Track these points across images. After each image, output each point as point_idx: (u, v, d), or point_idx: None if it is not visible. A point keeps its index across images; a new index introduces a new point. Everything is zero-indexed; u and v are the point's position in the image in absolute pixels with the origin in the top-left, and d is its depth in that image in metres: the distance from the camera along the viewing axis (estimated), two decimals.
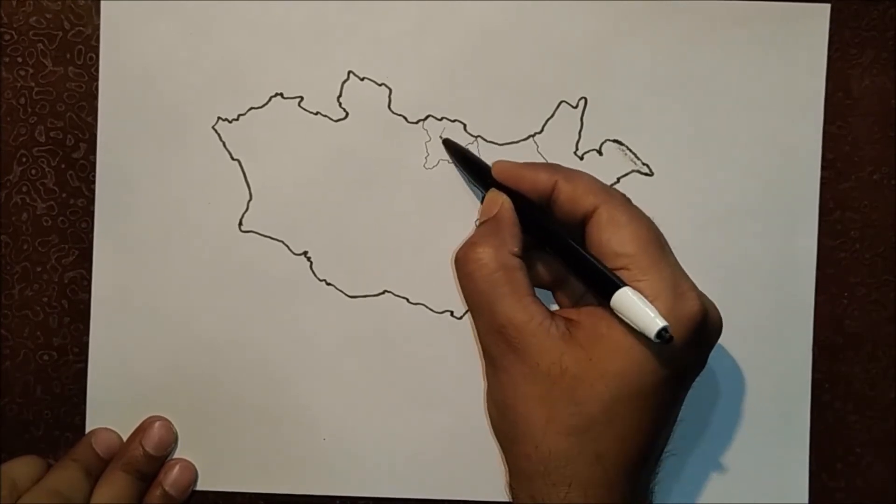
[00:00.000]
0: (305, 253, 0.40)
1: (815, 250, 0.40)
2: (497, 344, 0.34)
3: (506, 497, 0.40)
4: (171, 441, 0.40)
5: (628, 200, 0.35)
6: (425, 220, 0.40)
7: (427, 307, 0.40)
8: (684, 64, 0.40)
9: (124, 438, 0.40)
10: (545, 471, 0.33)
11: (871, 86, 0.40)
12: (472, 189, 0.40)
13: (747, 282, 0.40)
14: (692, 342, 0.32)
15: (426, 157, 0.40)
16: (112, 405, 0.40)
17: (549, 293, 0.39)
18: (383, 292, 0.40)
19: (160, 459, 0.40)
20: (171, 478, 0.39)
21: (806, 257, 0.40)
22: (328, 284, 0.40)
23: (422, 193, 0.40)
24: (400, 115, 0.40)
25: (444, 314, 0.40)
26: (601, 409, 0.32)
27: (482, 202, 0.37)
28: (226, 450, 0.40)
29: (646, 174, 0.40)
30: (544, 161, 0.39)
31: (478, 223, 0.37)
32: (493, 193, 0.37)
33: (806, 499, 0.41)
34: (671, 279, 0.33)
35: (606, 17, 0.40)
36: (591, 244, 0.34)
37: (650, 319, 0.31)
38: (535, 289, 0.35)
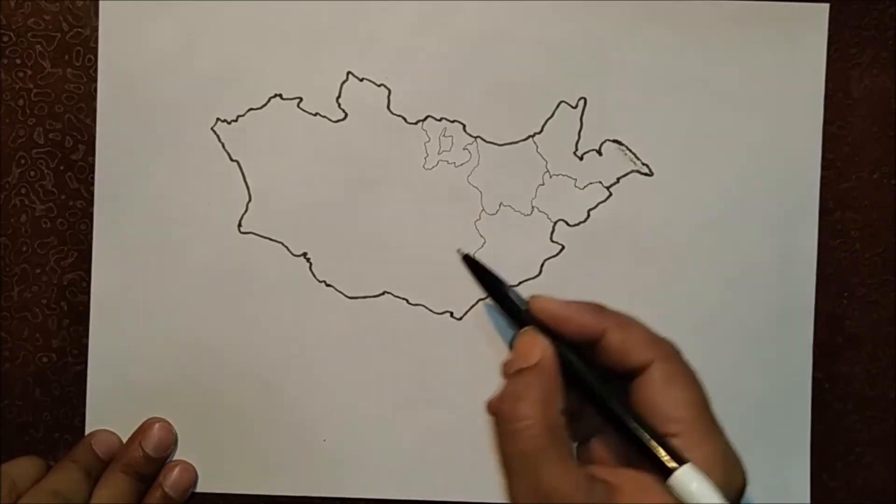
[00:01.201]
0: (305, 254, 0.40)
1: (815, 250, 0.40)
2: None
3: (505, 498, 0.40)
4: (171, 442, 0.40)
5: (681, 356, 0.33)
6: (425, 221, 0.40)
7: (427, 308, 0.40)
8: (684, 64, 0.40)
9: (124, 440, 0.40)
10: None
11: (870, 86, 0.40)
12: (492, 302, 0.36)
13: (747, 282, 0.40)
14: None
15: (425, 158, 0.40)
16: (111, 407, 0.40)
17: None
18: (383, 293, 0.40)
19: (160, 461, 0.40)
20: (171, 479, 0.39)
21: (806, 257, 0.40)
22: (328, 285, 0.40)
23: (421, 194, 0.40)
24: (399, 115, 0.40)
25: (443, 315, 0.40)
26: None
27: (512, 341, 0.34)
28: (225, 451, 0.40)
29: (645, 174, 0.40)
30: (586, 304, 0.34)
31: (510, 369, 0.33)
32: (533, 337, 0.33)
33: (807, 499, 0.41)
34: (724, 451, 0.32)
35: (606, 17, 0.40)
36: (640, 402, 0.32)
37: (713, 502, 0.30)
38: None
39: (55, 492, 0.37)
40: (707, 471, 0.31)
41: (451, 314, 0.40)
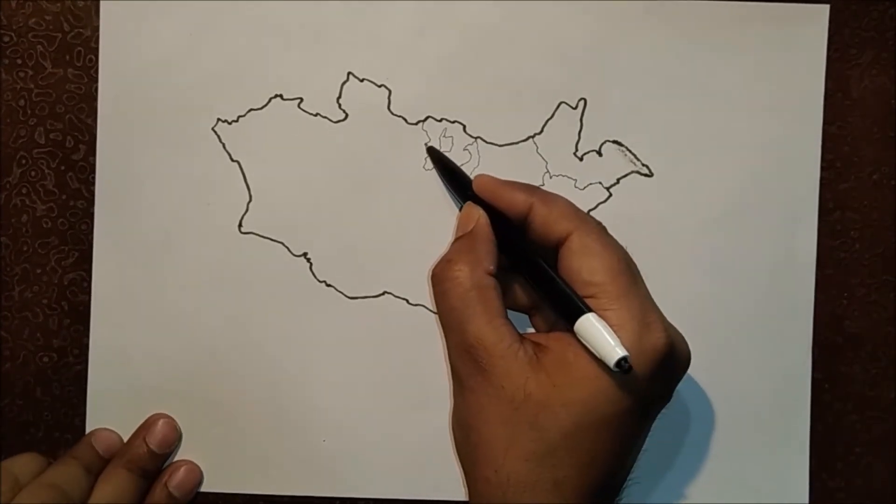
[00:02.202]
0: (305, 254, 0.40)
1: (815, 250, 0.40)
2: (465, 363, 0.33)
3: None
4: (175, 439, 0.40)
5: (603, 229, 0.35)
6: (425, 222, 0.40)
7: (427, 308, 0.40)
8: (684, 65, 0.40)
9: (125, 440, 0.40)
10: (503, 494, 0.32)
11: (870, 86, 0.40)
12: (453, 200, 0.40)
13: (747, 282, 0.40)
14: (657, 374, 0.32)
15: (426, 159, 0.40)
16: (112, 407, 0.40)
17: (525, 318, 0.38)
18: (383, 293, 0.40)
19: (163, 457, 0.40)
20: (177, 479, 0.39)
21: (806, 257, 0.40)
22: (328, 286, 0.40)
23: (421, 195, 0.40)
24: (399, 116, 0.40)
25: None
26: (562, 436, 0.32)
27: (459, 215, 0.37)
28: (225, 451, 0.40)
29: (646, 175, 0.40)
30: (520, 183, 0.37)
31: (454, 237, 0.36)
32: (470, 207, 0.37)
33: (806, 499, 0.41)
34: (639, 310, 0.32)
35: (606, 17, 0.40)
36: (563, 270, 0.34)
37: (610, 348, 0.30)
38: (513, 312, 0.35)
39: (54, 485, 0.37)
40: (618, 327, 0.31)
41: None
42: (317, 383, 0.40)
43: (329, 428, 0.40)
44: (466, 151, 0.40)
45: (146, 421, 0.40)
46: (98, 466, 0.39)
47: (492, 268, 0.34)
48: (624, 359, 0.30)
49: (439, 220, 0.40)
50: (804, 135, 0.40)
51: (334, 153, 0.40)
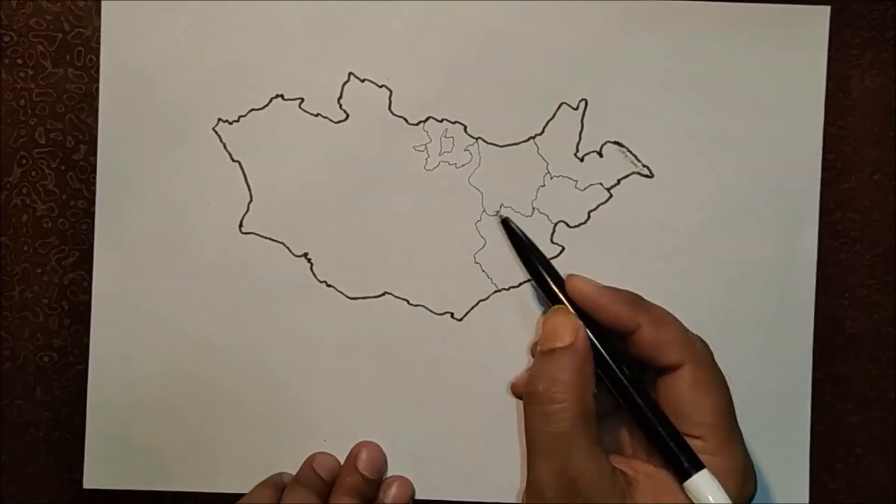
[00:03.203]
0: (306, 254, 0.40)
1: (816, 251, 0.40)
2: (563, 493, 0.32)
3: (505, 498, 0.40)
4: (384, 461, 0.40)
5: (712, 359, 0.34)
6: (426, 222, 0.40)
7: (427, 309, 0.40)
8: (685, 65, 0.40)
9: (125, 439, 0.40)
10: None
11: (871, 86, 0.40)
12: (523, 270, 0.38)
13: (747, 282, 0.40)
14: None
15: (427, 159, 0.40)
16: (112, 407, 0.40)
17: None
18: (383, 294, 0.40)
19: (378, 481, 0.40)
20: (392, 494, 0.39)
21: (806, 258, 0.40)
22: (328, 286, 0.40)
23: (422, 195, 0.40)
24: (400, 116, 0.40)
25: (444, 316, 0.40)
26: None
27: (544, 315, 0.35)
28: (226, 451, 0.40)
29: (646, 176, 0.40)
30: (624, 293, 0.35)
31: (542, 347, 0.33)
32: (566, 315, 0.34)
33: (806, 499, 0.41)
34: (742, 459, 0.32)
35: (607, 17, 0.40)
36: (666, 401, 0.33)
37: None
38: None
39: None
40: (724, 479, 0.31)
41: (452, 315, 0.40)
42: (317, 383, 0.40)
43: (329, 428, 0.40)
44: (467, 152, 0.40)
45: (352, 451, 0.40)
46: (324, 491, 0.39)
47: (595, 391, 0.33)
48: None
49: (440, 220, 0.40)
50: (805, 135, 0.40)
51: (335, 153, 0.40)
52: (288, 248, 0.40)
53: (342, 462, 0.40)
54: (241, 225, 0.40)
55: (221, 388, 0.40)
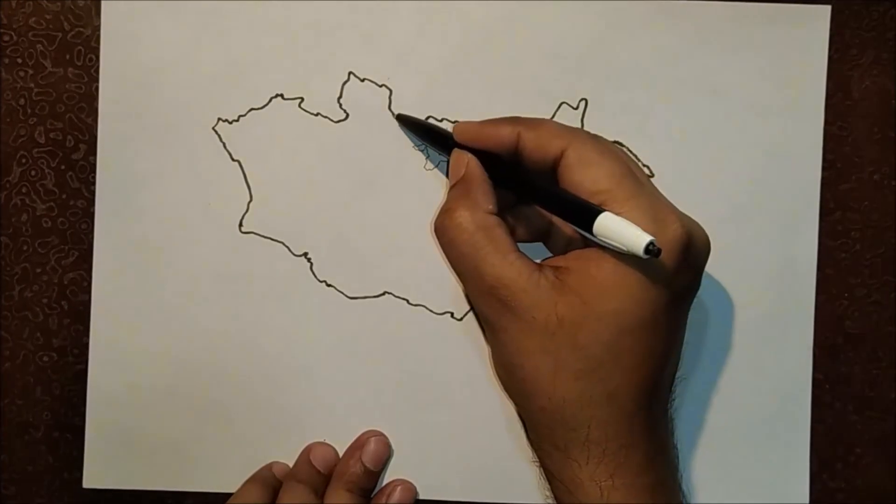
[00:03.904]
0: (306, 254, 0.40)
1: (816, 250, 0.40)
2: (490, 305, 0.33)
3: (506, 498, 0.40)
4: (387, 455, 0.40)
5: (596, 137, 0.35)
6: (425, 222, 0.40)
7: (427, 308, 0.40)
8: (685, 65, 0.40)
9: (123, 440, 0.40)
10: (562, 418, 0.33)
11: (871, 87, 0.40)
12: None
13: (747, 282, 0.40)
14: (681, 265, 0.32)
15: (426, 159, 0.40)
16: (112, 406, 0.40)
17: (539, 247, 0.38)
18: (383, 293, 0.40)
19: (378, 474, 0.40)
20: (395, 497, 0.39)
21: (806, 257, 0.40)
22: (328, 286, 0.40)
23: (422, 194, 0.40)
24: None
25: (444, 315, 0.40)
26: (604, 349, 0.32)
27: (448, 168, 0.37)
28: (226, 451, 0.40)
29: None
30: (501, 118, 0.37)
31: (448, 188, 0.36)
32: (458, 154, 0.36)
33: (806, 499, 0.41)
34: (650, 207, 0.32)
35: (607, 17, 0.40)
36: (565, 187, 0.34)
37: (635, 236, 0.30)
38: (526, 244, 0.35)
39: None
40: (634, 223, 0.31)
41: (452, 315, 0.40)
42: (317, 383, 0.40)
43: (329, 428, 0.40)
44: None
45: (358, 439, 0.40)
46: (321, 486, 0.39)
47: (491, 207, 0.34)
48: (651, 242, 0.30)
49: None
50: (805, 135, 0.40)
51: (335, 153, 0.40)
52: (288, 247, 0.40)
53: (340, 454, 0.40)
54: (240, 224, 0.40)
55: (221, 388, 0.40)
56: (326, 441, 0.40)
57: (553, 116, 0.40)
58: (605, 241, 0.31)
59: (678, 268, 0.32)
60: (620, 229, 0.30)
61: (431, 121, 0.40)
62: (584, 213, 0.32)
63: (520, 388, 0.34)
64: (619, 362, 0.32)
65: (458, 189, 0.35)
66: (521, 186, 0.35)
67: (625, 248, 0.30)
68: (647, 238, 0.30)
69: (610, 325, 0.32)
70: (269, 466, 0.40)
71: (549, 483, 0.35)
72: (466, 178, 0.35)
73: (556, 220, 0.37)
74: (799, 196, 0.40)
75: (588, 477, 0.33)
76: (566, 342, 0.32)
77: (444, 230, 0.34)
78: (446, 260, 0.35)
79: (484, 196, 0.35)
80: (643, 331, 0.32)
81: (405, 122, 0.39)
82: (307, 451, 0.40)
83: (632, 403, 0.33)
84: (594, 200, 0.32)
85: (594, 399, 0.32)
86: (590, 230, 0.31)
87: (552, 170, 0.34)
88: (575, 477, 0.33)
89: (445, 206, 0.35)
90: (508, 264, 0.33)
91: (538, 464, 0.35)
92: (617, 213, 0.31)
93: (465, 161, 0.36)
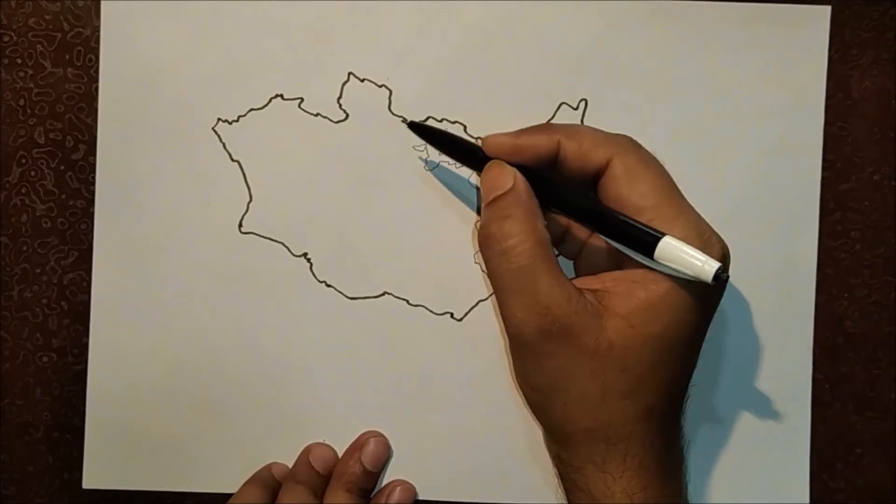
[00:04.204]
0: (305, 254, 0.40)
1: (816, 251, 0.40)
2: (538, 326, 0.32)
3: (506, 498, 0.40)
4: (387, 455, 0.40)
5: (636, 145, 0.34)
6: (425, 222, 0.40)
7: (427, 309, 0.40)
8: (685, 65, 0.40)
9: (124, 441, 0.40)
10: (605, 436, 0.33)
11: (871, 87, 0.40)
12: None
13: (747, 282, 0.40)
14: (722, 283, 0.32)
15: (426, 159, 0.40)
16: (112, 407, 0.40)
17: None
18: (383, 294, 0.40)
19: (377, 475, 0.40)
20: (394, 498, 0.39)
21: (806, 258, 0.40)
22: (328, 286, 0.40)
23: (422, 195, 0.40)
24: (400, 116, 0.40)
25: (444, 316, 0.40)
26: (648, 368, 0.32)
27: (481, 180, 0.35)
28: (225, 451, 0.40)
29: None
30: (534, 126, 0.36)
31: (486, 200, 0.34)
32: (499, 166, 0.34)
33: (806, 499, 0.41)
34: (696, 225, 0.32)
35: (606, 17, 0.40)
36: (609, 200, 0.33)
37: (702, 264, 0.30)
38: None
39: None
40: (684, 241, 0.31)
41: (452, 315, 0.40)
42: (317, 383, 0.40)
43: (329, 428, 0.40)
44: None
45: (358, 440, 0.40)
46: (320, 487, 0.39)
47: (545, 222, 0.33)
48: (720, 268, 0.30)
49: (440, 220, 0.40)
50: (805, 135, 0.40)
51: (335, 153, 0.40)
52: (288, 248, 0.40)
53: (339, 455, 0.40)
54: (240, 225, 0.40)
55: (221, 388, 0.40)
56: (326, 441, 0.40)
57: (553, 116, 0.40)
58: (665, 266, 0.31)
59: (720, 287, 0.32)
60: (685, 256, 0.31)
61: (431, 121, 0.40)
62: (643, 238, 0.32)
63: (562, 411, 0.33)
64: (659, 380, 0.33)
65: (509, 200, 0.33)
66: (563, 204, 0.34)
67: (690, 274, 0.31)
68: (715, 265, 0.30)
69: (656, 348, 0.32)
70: (268, 467, 0.40)
71: (569, 494, 0.35)
72: (518, 189, 0.33)
73: (574, 225, 0.37)
74: (799, 196, 0.40)
75: (621, 490, 0.33)
76: (614, 366, 0.32)
77: (499, 238, 0.33)
78: (490, 272, 0.34)
79: (538, 209, 0.33)
80: (683, 348, 0.33)
81: (419, 130, 0.37)
82: (306, 452, 0.40)
83: (667, 415, 0.33)
84: (642, 217, 0.32)
85: (637, 415, 0.33)
86: (647, 253, 0.31)
87: (592, 181, 0.34)
88: (607, 490, 0.33)
89: (499, 215, 0.33)
90: (559, 285, 0.32)
91: (558, 475, 0.35)
92: (668, 232, 0.31)
93: (512, 174, 0.34)
